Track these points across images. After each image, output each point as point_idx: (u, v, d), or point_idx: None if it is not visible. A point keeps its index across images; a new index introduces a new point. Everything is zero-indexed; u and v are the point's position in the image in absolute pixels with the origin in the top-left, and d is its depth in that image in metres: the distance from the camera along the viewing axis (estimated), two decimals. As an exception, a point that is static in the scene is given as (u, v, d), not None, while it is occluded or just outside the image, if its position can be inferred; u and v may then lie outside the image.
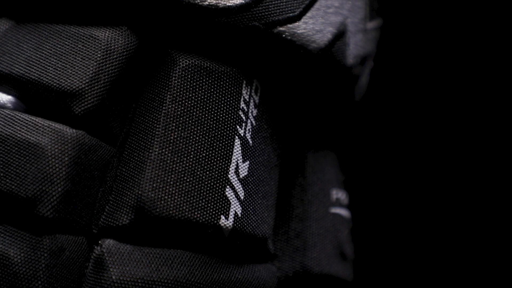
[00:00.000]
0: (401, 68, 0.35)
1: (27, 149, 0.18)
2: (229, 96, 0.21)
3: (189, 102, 0.20)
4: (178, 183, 0.20)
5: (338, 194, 0.26)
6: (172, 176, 0.20)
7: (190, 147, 0.20)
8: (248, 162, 0.21)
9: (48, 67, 0.20)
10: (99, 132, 0.20)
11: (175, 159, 0.20)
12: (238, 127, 0.21)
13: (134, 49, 0.21)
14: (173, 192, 0.19)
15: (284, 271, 0.23)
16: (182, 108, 0.20)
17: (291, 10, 0.22)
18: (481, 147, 0.35)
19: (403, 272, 0.35)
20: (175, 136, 0.20)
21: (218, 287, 0.20)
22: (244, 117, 0.22)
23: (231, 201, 0.20)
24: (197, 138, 0.20)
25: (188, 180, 0.20)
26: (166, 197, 0.19)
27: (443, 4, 0.35)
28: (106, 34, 0.20)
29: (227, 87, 0.21)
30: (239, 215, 0.21)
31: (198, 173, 0.20)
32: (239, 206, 0.21)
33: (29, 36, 0.21)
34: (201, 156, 0.20)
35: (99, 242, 0.19)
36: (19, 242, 0.18)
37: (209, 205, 0.20)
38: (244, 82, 0.22)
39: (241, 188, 0.21)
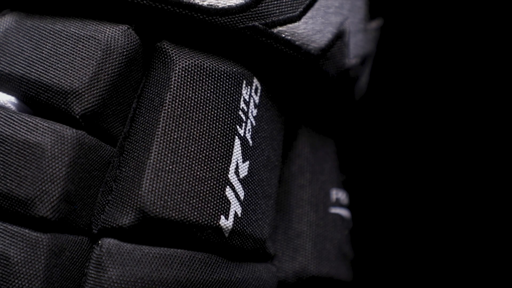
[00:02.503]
0: (401, 68, 0.35)
1: (27, 150, 0.18)
2: (229, 96, 0.21)
3: (189, 102, 0.20)
4: (178, 184, 0.20)
5: (338, 194, 0.26)
6: (172, 176, 0.20)
7: (190, 147, 0.20)
8: (248, 162, 0.21)
9: (48, 67, 0.20)
10: (99, 132, 0.20)
11: (175, 159, 0.20)
12: (238, 127, 0.21)
13: (134, 49, 0.21)
14: (173, 192, 0.19)
15: (284, 271, 0.23)
16: (182, 108, 0.20)
17: (291, 10, 0.22)
18: (480, 144, 0.35)
19: (403, 272, 0.35)
20: (175, 136, 0.20)
21: (218, 287, 0.20)
22: (244, 117, 0.21)
23: (231, 201, 0.20)
24: (197, 138, 0.20)
25: (188, 180, 0.20)
26: (166, 198, 0.19)
27: (443, 4, 0.35)
28: (106, 34, 0.20)
29: (227, 87, 0.21)
30: (239, 216, 0.21)
31: (198, 173, 0.20)
32: (239, 206, 0.21)
33: (29, 36, 0.21)
34: (201, 156, 0.20)
35: (99, 242, 0.19)
36: (19, 242, 0.18)
37: (209, 205, 0.20)
38: (244, 82, 0.22)
39: (241, 188, 0.21)
